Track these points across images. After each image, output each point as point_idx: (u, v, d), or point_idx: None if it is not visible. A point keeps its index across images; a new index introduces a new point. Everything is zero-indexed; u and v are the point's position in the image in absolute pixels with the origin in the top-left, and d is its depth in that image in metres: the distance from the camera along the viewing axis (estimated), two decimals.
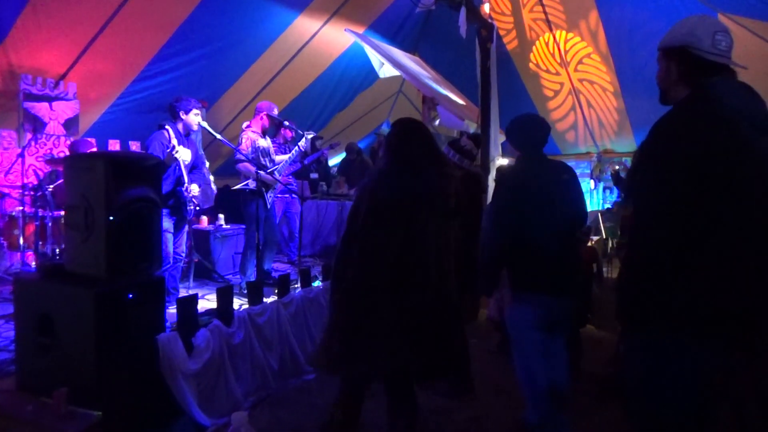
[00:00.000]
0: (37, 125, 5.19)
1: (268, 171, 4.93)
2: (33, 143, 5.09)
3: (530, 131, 2.87)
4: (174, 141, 4.10)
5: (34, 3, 4.46)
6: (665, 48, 1.79)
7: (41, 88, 5.23)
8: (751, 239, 1.53)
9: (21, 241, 4.67)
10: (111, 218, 2.69)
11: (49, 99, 5.33)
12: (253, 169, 4.72)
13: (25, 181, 4.84)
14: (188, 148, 4.26)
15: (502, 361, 4.09)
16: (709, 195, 1.52)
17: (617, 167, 7.75)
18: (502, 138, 6.76)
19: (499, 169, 2.91)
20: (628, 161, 8.27)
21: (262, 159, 4.97)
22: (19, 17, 4.51)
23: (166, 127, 4.16)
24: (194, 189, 4.34)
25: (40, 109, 5.28)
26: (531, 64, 7.81)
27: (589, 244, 4.94)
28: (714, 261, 1.53)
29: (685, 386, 1.59)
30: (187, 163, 4.23)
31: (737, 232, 1.52)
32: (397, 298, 2.12)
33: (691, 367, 1.57)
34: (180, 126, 4.25)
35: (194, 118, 4.32)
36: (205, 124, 4.54)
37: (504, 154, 6.88)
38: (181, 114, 4.23)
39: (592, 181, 8.81)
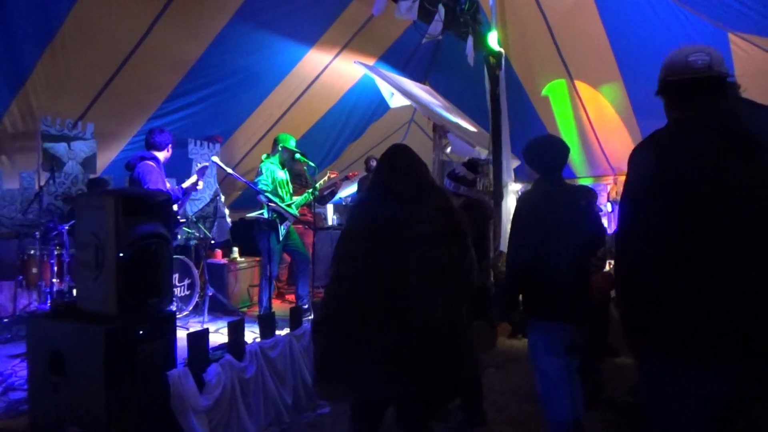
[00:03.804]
0: (55, 165, 5.31)
1: (286, 204, 4.97)
2: (51, 182, 5.19)
3: (548, 152, 2.83)
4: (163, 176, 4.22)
5: (53, 47, 4.61)
6: (658, 87, 1.87)
7: (60, 128, 5.37)
8: (735, 258, 1.51)
9: (39, 279, 4.73)
10: (121, 255, 2.72)
11: (68, 139, 5.46)
12: (262, 199, 4.77)
13: (43, 220, 4.93)
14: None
15: (522, 390, 4.01)
16: (684, 214, 1.55)
17: None
18: (514, 163, 6.73)
19: (526, 191, 2.88)
20: None
21: (279, 190, 5.02)
22: (39, 60, 4.66)
23: (155, 157, 4.25)
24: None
25: (59, 149, 5.41)
26: (541, 88, 7.82)
27: (607, 268, 4.84)
28: (697, 281, 1.54)
29: (685, 410, 1.56)
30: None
31: (717, 251, 1.52)
32: (372, 324, 2.06)
33: (692, 392, 1.55)
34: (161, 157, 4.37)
35: (168, 153, 4.51)
36: (217, 160, 4.61)
37: (517, 179, 6.85)
38: (169, 147, 4.38)
39: (609, 204, 8.69)
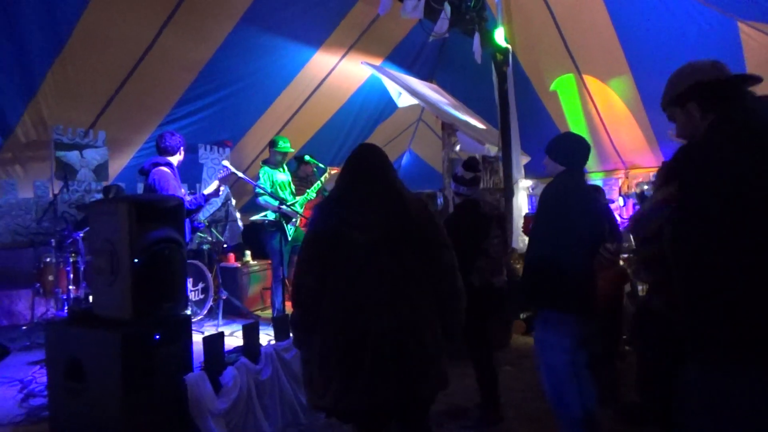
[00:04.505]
0: (68, 173, 5.37)
1: (289, 204, 5.00)
2: (65, 191, 5.25)
3: (577, 148, 2.88)
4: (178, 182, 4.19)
5: (63, 56, 4.67)
6: (676, 96, 1.81)
7: (72, 137, 5.43)
8: None
9: (55, 286, 4.79)
10: (135, 261, 2.74)
11: (80, 147, 5.52)
12: (273, 202, 4.80)
13: (58, 228, 4.98)
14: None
15: (537, 387, 3.98)
16: (750, 217, 1.49)
17: (645, 187, 7.58)
18: (524, 160, 6.71)
19: (549, 184, 2.89)
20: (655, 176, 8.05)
21: (280, 192, 5.06)
22: (49, 71, 4.72)
23: (168, 162, 4.21)
24: None
25: (72, 157, 5.47)
26: (549, 84, 7.78)
27: (621, 263, 4.81)
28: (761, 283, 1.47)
29: (747, 418, 1.49)
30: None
31: None
32: (323, 335, 2.02)
33: (755, 398, 1.49)
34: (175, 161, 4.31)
35: (180, 156, 4.39)
36: (228, 164, 4.63)
37: (527, 175, 6.83)
38: (182, 151, 4.31)
39: (621, 198, 8.63)
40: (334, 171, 5.84)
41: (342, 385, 1.96)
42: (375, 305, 1.96)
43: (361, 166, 2.20)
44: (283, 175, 5.20)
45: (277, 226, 4.90)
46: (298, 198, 5.29)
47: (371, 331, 1.94)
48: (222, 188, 4.42)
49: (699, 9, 5.61)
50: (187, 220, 3.99)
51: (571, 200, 2.68)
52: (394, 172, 2.25)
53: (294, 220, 5.08)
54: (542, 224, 2.76)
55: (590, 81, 7.52)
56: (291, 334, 2.23)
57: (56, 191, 5.17)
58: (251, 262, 6.20)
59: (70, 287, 4.74)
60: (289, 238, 5.01)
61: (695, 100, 1.75)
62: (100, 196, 5.60)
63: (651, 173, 8.26)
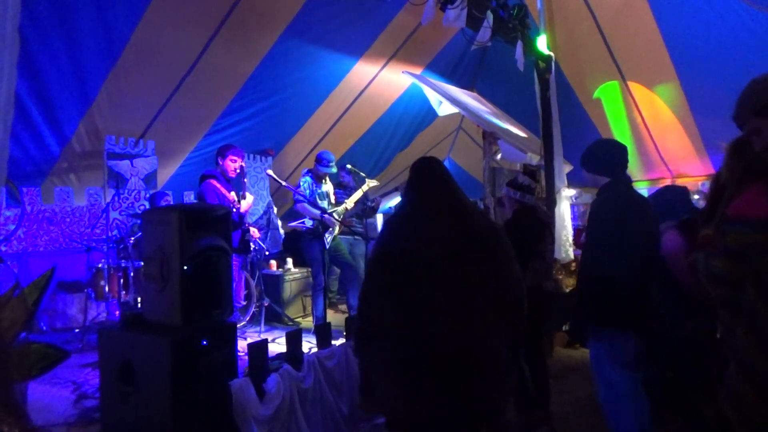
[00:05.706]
0: (119, 181, 5.57)
1: (329, 212, 5.08)
2: (116, 198, 5.45)
3: (616, 155, 2.80)
4: (223, 189, 4.31)
5: (116, 71, 4.86)
6: (762, 107, 1.69)
7: (123, 146, 5.63)
8: None
9: (107, 291, 4.96)
10: (185, 268, 2.82)
11: (131, 156, 5.72)
12: (314, 210, 4.88)
13: (110, 234, 5.17)
14: (233, 190, 4.45)
15: (582, 401, 3.90)
16: None
17: (695, 197, 7.34)
18: (567, 169, 6.59)
19: (603, 195, 2.79)
20: (705, 185, 7.80)
21: (319, 201, 5.13)
22: (104, 84, 4.92)
23: (214, 173, 4.35)
24: (254, 232, 4.53)
25: (123, 166, 5.68)
26: (593, 91, 7.63)
27: None
28: None
29: None
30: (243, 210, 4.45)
31: None
32: (398, 348, 2.01)
33: None
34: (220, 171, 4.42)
35: (230, 164, 4.44)
36: (271, 173, 4.73)
37: (570, 184, 6.70)
38: (219, 159, 4.42)
39: None
40: (373, 183, 5.87)
41: (404, 393, 1.98)
42: (443, 317, 1.97)
43: (426, 181, 2.24)
44: (325, 186, 5.28)
45: (315, 234, 4.98)
46: (336, 208, 5.35)
47: (437, 341, 1.95)
48: (248, 195, 4.52)
49: (751, 13, 5.41)
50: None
51: (623, 213, 2.61)
52: (457, 185, 2.26)
53: (331, 228, 5.14)
54: (595, 239, 2.69)
55: (635, 88, 7.34)
56: (353, 343, 2.26)
57: (108, 199, 5.37)
58: (292, 269, 6.29)
59: (121, 292, 4.91)
60: (327, 246, 5.06)
61: None
62: (148, 203, 5.80)
63: (699, 182, 8.00)
